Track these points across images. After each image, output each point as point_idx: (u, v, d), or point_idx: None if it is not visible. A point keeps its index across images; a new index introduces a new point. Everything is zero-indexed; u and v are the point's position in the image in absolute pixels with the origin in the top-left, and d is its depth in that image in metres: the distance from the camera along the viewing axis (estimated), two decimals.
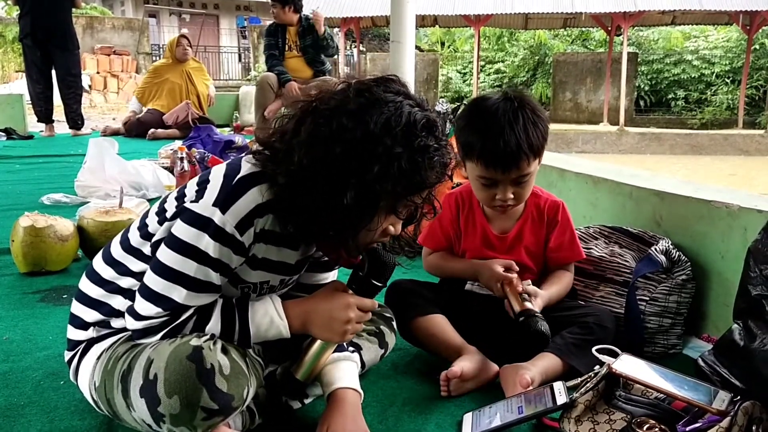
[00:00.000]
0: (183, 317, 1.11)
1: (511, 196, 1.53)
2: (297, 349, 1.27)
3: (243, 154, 1.19)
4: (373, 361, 1.45)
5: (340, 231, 1.10)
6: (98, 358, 1.18)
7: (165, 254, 1.10)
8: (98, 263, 1.25)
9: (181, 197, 1.14)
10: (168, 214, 1.14)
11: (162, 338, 1.11)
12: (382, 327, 1.47)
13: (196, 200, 1.10)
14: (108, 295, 1.21)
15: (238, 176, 1.10)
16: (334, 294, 1.20)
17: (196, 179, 1.17)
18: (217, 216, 1.07)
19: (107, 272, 1.22)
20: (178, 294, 1.09)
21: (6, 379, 1.45)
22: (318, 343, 1.21)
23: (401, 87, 1.12)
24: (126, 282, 1.19)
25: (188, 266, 1.08)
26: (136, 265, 1.18)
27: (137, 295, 1.12)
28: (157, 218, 1.17)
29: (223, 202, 1.07)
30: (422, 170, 1.08)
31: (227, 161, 1.20)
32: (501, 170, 1.49)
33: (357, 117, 1.06)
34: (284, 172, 1.08)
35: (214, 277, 1.10)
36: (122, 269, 1.20)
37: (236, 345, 1.16)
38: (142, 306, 1.11)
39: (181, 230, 1.09)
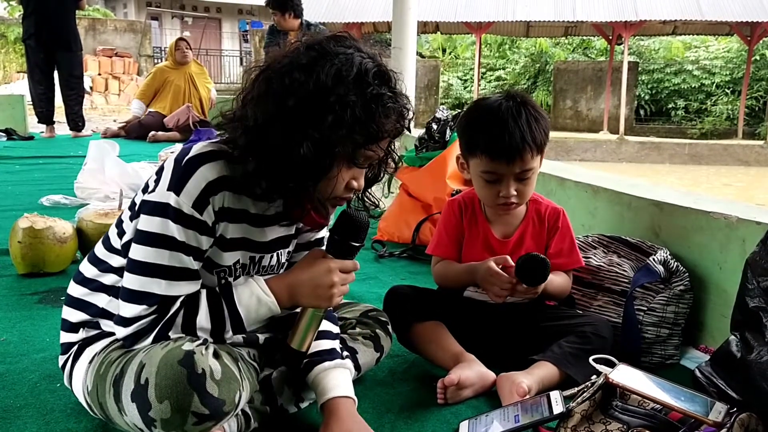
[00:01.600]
0: (171, 312, 1.10)
1: (515, 192, 1.53)
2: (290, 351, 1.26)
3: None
4: (368, 365, 1.45)
5: (301, 184, 1.09)
6: (90, 362, 1.17)
7: (136, 251, 1.10)
8: (84, 264, 1.26)
9: (145, 190, 1.15)
10: (136, 209, 1.15)
11: (154, 340, 1.10)
12: (377, 330, 1.47)
13: (153, 190, 1.11)
14: (91, 293, 1.22)
15: (186, 157, 1.10)
16: (314, 261, 1.20)
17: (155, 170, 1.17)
18: (172, 199, 1.07)
19: (90, 271, 1.23)
20: (158, 286, 1.09)
21: (2, 380, 1.45)
22: (309, 311, 1.20)
23: (353, 42, 1.13)
24: (108, 279, 1.20)
25: (161, 256, 1.09)
26: (116, 261, 1.19)
27: (120, 301, 1.12)
28: (129, 214, 1.18)
29: (176, 185, 1.08)
30: (377, 117, 1.08)
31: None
32: (506, 162, 1.50)
33: (308, 69, 1.07)
34: (240, 131, 1.09)
35: (189, 262, 1.10)
36: (104, 267, 1.21)
37: (231, 337, 1.16)
38: (127, 309, 1.11)
39: (145, 222, 1.10)
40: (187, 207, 1.07)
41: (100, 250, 1.24)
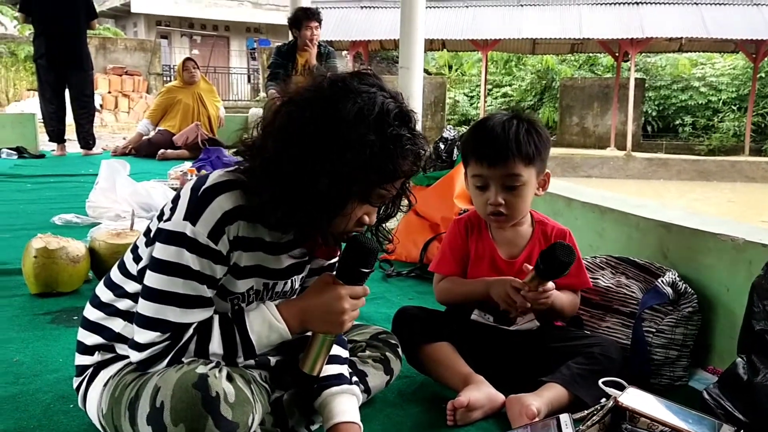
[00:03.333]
0: (184, 339, 1.12)
1: (501, 201, 1.54)
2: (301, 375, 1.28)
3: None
4: (378, 388, 1.46)
5: (314, 218, 1.11)
6: (105, 384, 1.19)
7: (151, 278, 1.12)
8: (100, 288, 1.28)
9: (160, 217, 1.17)
10: (152, 235, 1.17)
11: (168, 365, 1.12)
12: (387, 353, 1.47)
13: (169, 218, 1.12)
14: (107, 318, 1.23)
15: (203, 187, 1.12)
16: (325, 287, 1.21)
17: (171, 198, 1.19)
18: (188, 229, 1.09)
19: (106, 295, 1.25)
20: (172, 314, 1.10)
21: (16, 401, 1.46)
22: (320, 336, 1.21)
23: (376, 80, 1.15)
24: (123, 304, 1.22)
25: (175, 284, 1.10)
26: (131, 286, 1.21)
27: (134, 326, 1.14)
28: (144, 239, 1.20)
29: (192, 215, 1.10)
30: (395, 158, 1.10)
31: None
32: (487, 163, 1.54)
33: (330, 105, 1.09)
34: (259, 162, 1.11)
35: (203, 290, 1.12)
36: (119, 292, 1.23)
37: (243, 362, 1.18)
38: (141, 335, 1.12)
39: (161, 251, 1.11)
40: (203, 237, 1.09)
41: (116, 274, 1.26)
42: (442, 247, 1.73)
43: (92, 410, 1.23)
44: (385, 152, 1.09)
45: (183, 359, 1.13)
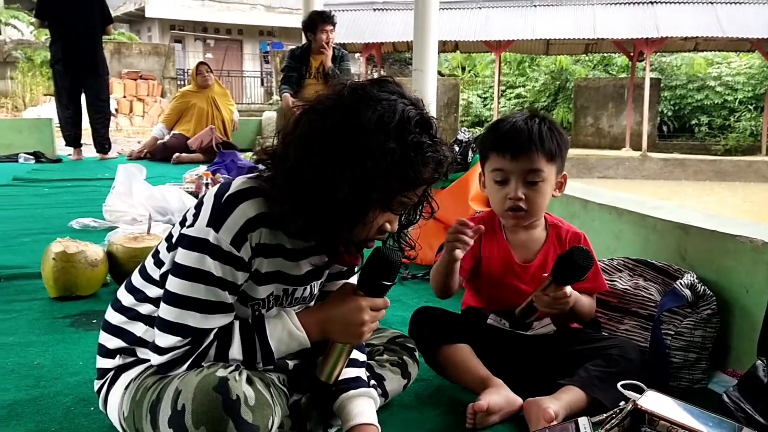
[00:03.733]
0: (204, 344, 1.13)
1: (522, 195, 1.53)
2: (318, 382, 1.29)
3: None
4: (396, 392, 1.46)
5: (335, 226, 1.11)
6: (126, 387, 1.20)
7: (173, 283, 1.13)
8: (121, 291, 1.30)
9: (183, 222, 1.18)
10: (174, 240, 1.18)
11: (188, 369, 1.13)
12: (404, 357, 1.48)
13: (192, 224, 1.13)
14: (129, 322, 1.25)
15: (227, 194, 1.13)
16: (346, 298, 1.22)
17: (194, 203, 1.20)
18: (211, 236, 1.10)
19: (127, 299, 1.26)
20: (193, 319, 1.11)
21: (37, 404, 1.48)
22: (338, 345, 1.22)
23: (396, 87, 1.15)
24: (145, 308, 1.23)
25: (197, 290, 1.11)
26: (152, 291, 1.22)
27: (156, 330, 1.15)
28: (166, 245, 1.21)
29: (215, 222, 1.10)
30: (415, 166, 1.10)
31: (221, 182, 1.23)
32: (510, 155, 1.53)
33: (351, 113, 1.09)
34: (281, 171, 1.12)
35: (224, 296, 1.13)
36: (141, 296, 1.24)
37: (261, 368, 1.18)
38: (162, 339, 1.13)
39: (183, 256, 1.12)
40: (226, 244, 1.10)
41: (137, 278, 1.27)
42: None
43: (113, 413, 1.24)
44: (406, 159, 1.09)
45: (203, 364, 1.13)
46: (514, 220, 1.60)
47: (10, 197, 4.48)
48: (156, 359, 1.15)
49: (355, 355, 1.33)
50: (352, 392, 1.27)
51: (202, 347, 1.13)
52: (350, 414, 1.25)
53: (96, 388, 1.29)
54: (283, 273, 1.21)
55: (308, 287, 1.29)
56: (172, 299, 1.13)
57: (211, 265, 1.10)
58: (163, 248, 1.22)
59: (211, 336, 1.14)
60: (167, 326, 1.13)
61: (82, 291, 2.25)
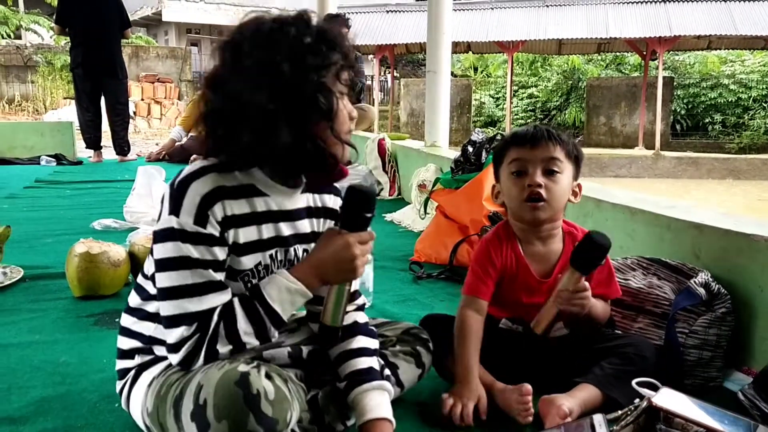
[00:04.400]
0: (211, 327, 1.15)
1: (541, 182, 1.53)
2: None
3: None
4: (411, 382, 1.48)
5: (322, 131, 1.16)
6: (149, 385, 1.23)
7: (160, 279, 1.16)
8: (131, 293, 1.34)
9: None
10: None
11: (206, 356, 1.15)
12: (418, 347, 1.50)
13: (158, 220, 1.18)
14: (138, 322, 1.29)
15: (178, 180, 1.17)
16: (332, 239, 1.24)
17: None
18: (174, 222, 1.13)
19: (135, 300, 1.31)
20: (190, 304, 1.14)
21: (63, 401, 1.52)
22: (335, 287, 1.25)
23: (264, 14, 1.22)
24: (151, 306, 1.27)
25: (183, 276, 1.14)
26: (153, 288, 1.25)
27: (163, 330, 1.18)
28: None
29: (174, 208, 1.14)
30: (338, 35, 1.18)
31: None
32: (530, 146, 1.56)
33: (257, 45, 1.14)
34: (214, 128, 1.18)
35: (211, 275, 1.16)
36: (144, 295, 1.28)
37: (275, 335, 1.22)
38: (170, 335, 1.16)
39: (159, 251, 1.16)
40: (190, 226, 1.13)
41: (140, 278, 1.32)
42: (470, 267, 1.67)
43: (136, 411, 1.27)
44: (325, 38, 1.16)
45: (218, 348, 1.16)
46: (533, 212, 1.55)
47: (34, 199, 4.56)
48: (174, 358, 1.17)
49: (367, 343, 1.35)
50: (366, 385, 1.29)
51: (211, 330, 1.15)
52: (364, 408, 1.27)
53: (118, 388, 1.33)
54: (263, 240, 1.24)
55: (292, 249, 1.30)
56: (165, 294, 1.16)
57: (186, 249, 1.13)
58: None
59: (216, 317, 1.16)
60: (170, 321, 1.16)
61: (105, 290, 2.30)
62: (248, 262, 1.23)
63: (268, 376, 1.10)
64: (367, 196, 1.24)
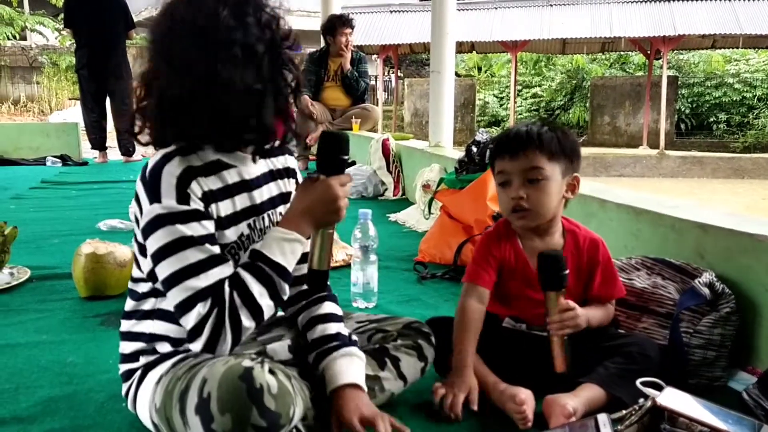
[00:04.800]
0: (227, 299, 1.16)
1: (523, 194, 1.53)
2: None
3: None
4: (413, 375, 1.48)
5: (251, 97, 1.19)
6: (157, 382, 1.24)
7: (163, 267, 1.17)
8: (126, 300, 1.36)
9: (138, 222, 1.24)
10: (140, 238, 1.24)
11: (233, 332, 1.16)
12: (419, 341, 1.50)
13: (141, 215, 1.20)
14: (138, 322, 1.31)
15: (147, 170, 1.19)
16: (312, 185, 1.28)
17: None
18: (158, 208, 1.16)
19: (129, 304, 1.34)
20: (199, 281, 1.15)
21: (70, 400, 1.53)
22: (319, 232, 1.28)
23: None
24: (147, 304, 1.29)
25: (185, 257, 1.16)
26: (142, 287, 1.29)
27: (180, 321, 1.19)
28: (137, 246, 1.28)
29: (153, 196, 1.16)
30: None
31: None
32: (509, 156, 1.55)
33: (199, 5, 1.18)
34: (184, 110, 1.19)
35: (210, 249, 1.18)
36: (137, 296, 1.31)
37: (287, 293, 1.24)
38: (188, 320, 1.16)
39: (154, 240, 1.17)
40: (175, 206, 1.16)
41: (130, 283, 1.34)
42: (471, 258, 1.70)
43: (143, 410, 1.28)
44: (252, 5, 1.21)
45: (242, 318, 1.17)
46: (520, 222, 1.59)
47: (40, 199, 4.59)
48: (197, 345, 1.17)
49: (334, 309, 1.41)
50: (334, 353, 1.33)
51: (228, 301, 1.16)
52: (333, 375, 1.31)
53: (123, 391, 1.34)
54: (242, 210, 1.27)
55: (266, 215, 1.34)
56: (171, 281, 1.17)
57: (179, 229, 1.15)
58: (137, 249, 1.29)
59: (227, 288, 1.17)
60: (183, 306, 1.16)
61: (111, 291, 2.31)
62: (231, 234, 1.26)
63: (271, 372, 1.11)
64: (341, 139, 1.30)
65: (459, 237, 2.80)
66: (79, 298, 2.33)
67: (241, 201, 1.28)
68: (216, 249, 1.19)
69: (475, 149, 3.06)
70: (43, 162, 6.68)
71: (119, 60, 6.50)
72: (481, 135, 3.14)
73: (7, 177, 5.63)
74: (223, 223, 1.24)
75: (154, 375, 1.27)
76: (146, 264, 1.24)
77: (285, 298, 1.25)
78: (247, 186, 1.29)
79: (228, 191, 1.25)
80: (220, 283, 1.17)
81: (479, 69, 20.34)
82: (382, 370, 1.42)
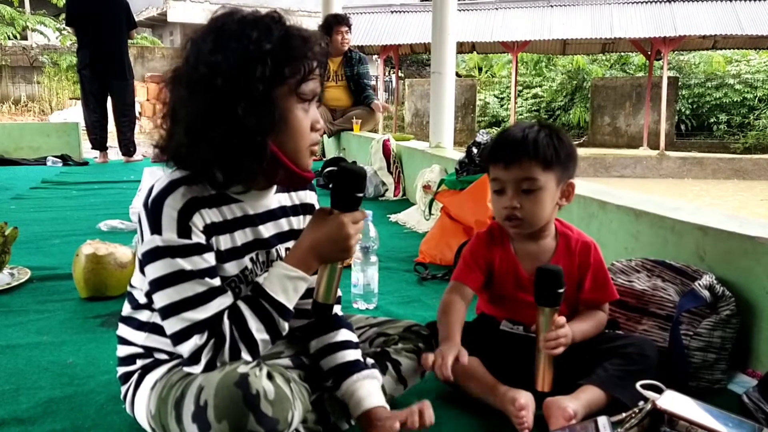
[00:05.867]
0: (226, 331, 1.15)
1: (516, 204, 1.52)
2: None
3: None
4: (414, 379, 1.49)
5: (258, 143, 1.14)
6: (152, 388, 1.24)
7: (160, 297, 1.16)
8: (125, 302, 1.35)
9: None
10: (139, 264, 1.23)
11: (231, 354, 1.15)
12: (420, 344, 1.50)
13: (142, 242, 1.18)
14: (133, 331, 1.30)
15: (150, 199, 1.17)
16: (324, 220, 1.24)
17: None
18: (159, 240, 1.14)
19: (126, 309, 1.33)
20: (196, 314, 1.14)
21: (71, 402, 1.52)
22: (328, 265, 1.26)
23: (238, 9, 1.21)
24: (143, 315, 1.28)
25: (183, 290, 1.14)
26: (142, 297, 1.27)
27: (176, 348, 1.18)
28: (139, 265, 1.25)
29: (154, 228, 1.14)
30: (298, 45, 1.16)
31: None
32: (503, 164, 1.53)
33: (218, 49, 1.14)
34: (179, 143, 1.16)
35: (210, 282, 1.16)
36: (135, 303, 1.30)
37: (285, 330, 1.22)
38: (184, 349, 1.16)
39: (152, 271, 1.16)
40: (175, 240, 1.14)
41: (130, 287, 1.34)
42: (461, 258, 1.69)
43: (141, 414, 1.28)
44: (286, 46, 1.15)
45: (242, 353, 1.16)
46: (513, 229, 1.59)
47: (40, 200, 4.58)
48: (195, 370, 1.17)
49: (349, 336, 1.38)
50: (356, 375, 1.31)
51: (228, 335, 1.15)
52: (359, 399, 1.29)
53: (122, 394, 1.34)
54: (244, 245, 1.25)
55: (274, 250, 1.32)
56: (168, 311, 1.16)
57: (178, 263, 1.14)
58: (137, 265, 1.27)
59: (226, 320, 1.17)
60: (179, 336, 1.15)
61: (111, 291, 2.31)
62: (232, 268, 1.24)
63: (269, 376, 1.11)
64: (358, 176, 1.25)
65: (459, 238, 2.80)
66: (80, 298, 2.32)
67: (242, 236, 1.25)
68: (216, 281, 1.18)
69: (475, 150, 3.06)
70: (44, 162, 6.67)
71: (121, 60, 6.49)
72: (482, 136, 3.15)
73: (8, 177, 5.62)
74: (223, 256, 1.21)
75: (150, 379, 1.26)
76: (145, 283, 1.22)
77: (283, 334, 1.23)
78: (250, 221, 1.26)
79: (230, 225, 1.22)
80: (218, 315, 1.16)
81: (480, 69, 20.36)
82: (384, 374, 1.42)
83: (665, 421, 1.28)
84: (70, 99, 14.30)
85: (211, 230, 1.19)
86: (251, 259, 1.27)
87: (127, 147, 6.86)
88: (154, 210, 1.15)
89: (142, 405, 1.26)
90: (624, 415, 1.31)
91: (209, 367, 1.15)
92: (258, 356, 1.19)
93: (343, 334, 1.38)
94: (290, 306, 1.22)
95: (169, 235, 1.14)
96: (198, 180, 1.18)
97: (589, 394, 1.44)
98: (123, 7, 6.51)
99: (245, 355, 1.17)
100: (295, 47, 1.16)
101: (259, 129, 1.14)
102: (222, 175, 1.17)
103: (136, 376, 1.30)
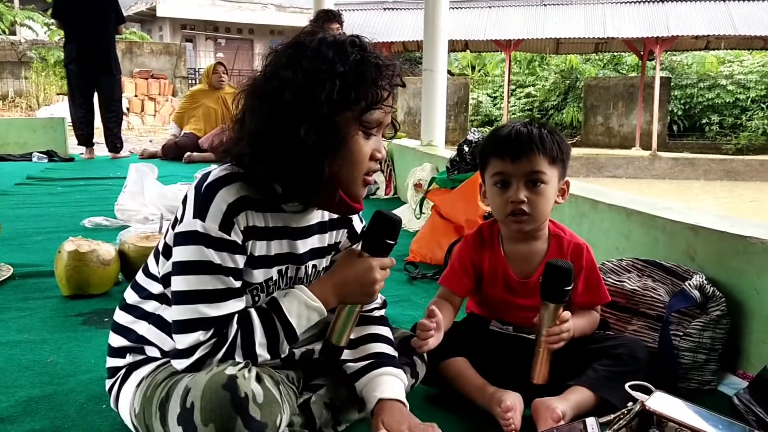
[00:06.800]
0: (231, 335, 1.14)
1: (524, 197, 1.50)
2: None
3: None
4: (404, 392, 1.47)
5: (316, 165, 1.13)
6: (138, 385, 1.22)
7: (178, 282, 1.14)
8: (128, 291, 1.32)
9: (174, 225, 1.20)
10: (170, 242, 1.20)
11: (222, 360, 1.13)
12: (414, 358, 1.48)
13: (181, 221, 1.16)
14: (135, 320, 1.27)
15: (205, 184, 1.15)
16: (354, 261, 1.26)
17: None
18: (199, 226, 1.12)
19: (132, 297, 1.29)
20: (208, 309, 1.13)
21: (51, 401, 1.50)
22: (347, 307, 1.26)
23: (323, 31, 1.19)
24: (150, 306, 1.25)
25: (203, 281, 1.13)
26: (156, 287, 1.24)
27: (173, 336, 1.15)
28: (164, 244, 1.23)
29: (200, 212, 1.13)
30: (369, 75, 1.14)
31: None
32: (511, 159, 1.51)
33: (290, 64, 1.13)
34: (245, 146, 1.15)
35: (231, 282, 1.15)
36: (145, 293, 1.27)
37: (286, 350, 1.20)
38: (182, 340, 1.14)
39: (181, 253, 1.14)
40: (215, 231, 1.12)
41: (141, 277, 1.30)
42: (450, 262, 1.68)
43: (124, 411, 1.25)
44: (358, 73, 1.13)
45: (235, 357, 1.14)
46: (517, 225, 1.55)
47: (25, 196, 4.54)
48: (181, 363, 1.14)
49: (381, 330, 1.38)
50: (382, 369, 1.31)
51: (231, 337, 1.14)
52: (378, 388, 1.29)
53: (107, 387, 1.31)
54: (278, 255, 1.23)
55: (303, 267, 1.30)
56: (182, 297, 1.14)
57: (209, 254, 1.12)
58: (161, 246, 1.24)
59: (234, 325, 1.15)
60: (184, 325, 1.13)
61: (94, 289, 2.27)
62: (259, 275, 1.22)
63: (258, 379, 1.09)
64: (393, 223, 1.26)
65: (450, 237, 2.78)
66: (62, 296, 2.29)
67: (278, 246, 1.23)
68: (237, 283, 1.16)
69: (466, 149, 3.04)
70: (29, 158, 6.60)
71: (108, 55, 6.44)
72: (473, 134, 3.13)
73: None
74: (255, 262, 1.20)
75: (136, 376, 1.24)
76: (166, 267, 1.20)
77: (282, 356, 1.22)
78: (289, 233, 1.24)
79: (270, 233, 1.21)
80: (228, 317, 1.15)
81: (473, 68, 20.39)
82: None
83: (654, 423, 1.26)
84: (58, 94, 14.21)
85: (250, 233, 1.17)
86: (279, 272, 1.25)
87: (114, 143, 6.81)
88: (205, 195, 1.14)
89: (127, 402, 1.24)
90: (612, 416, 1.29)
91: (197, 365, 1.13)
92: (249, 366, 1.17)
93: (376, 329, 1.39)
94: (299, 332, 1.21)
95: (211, 225, 1.12)
96: (253, 181, 1.17)
97: (578, 395, 1.43)
98: (111, 1, 6.46)
99: (237, 359, 1.15)
100: (366, 73, 1.14)
101: (317, 149, 1.12)
102: (282, 189, 1.17)
103: (123, 371, 1.27)
